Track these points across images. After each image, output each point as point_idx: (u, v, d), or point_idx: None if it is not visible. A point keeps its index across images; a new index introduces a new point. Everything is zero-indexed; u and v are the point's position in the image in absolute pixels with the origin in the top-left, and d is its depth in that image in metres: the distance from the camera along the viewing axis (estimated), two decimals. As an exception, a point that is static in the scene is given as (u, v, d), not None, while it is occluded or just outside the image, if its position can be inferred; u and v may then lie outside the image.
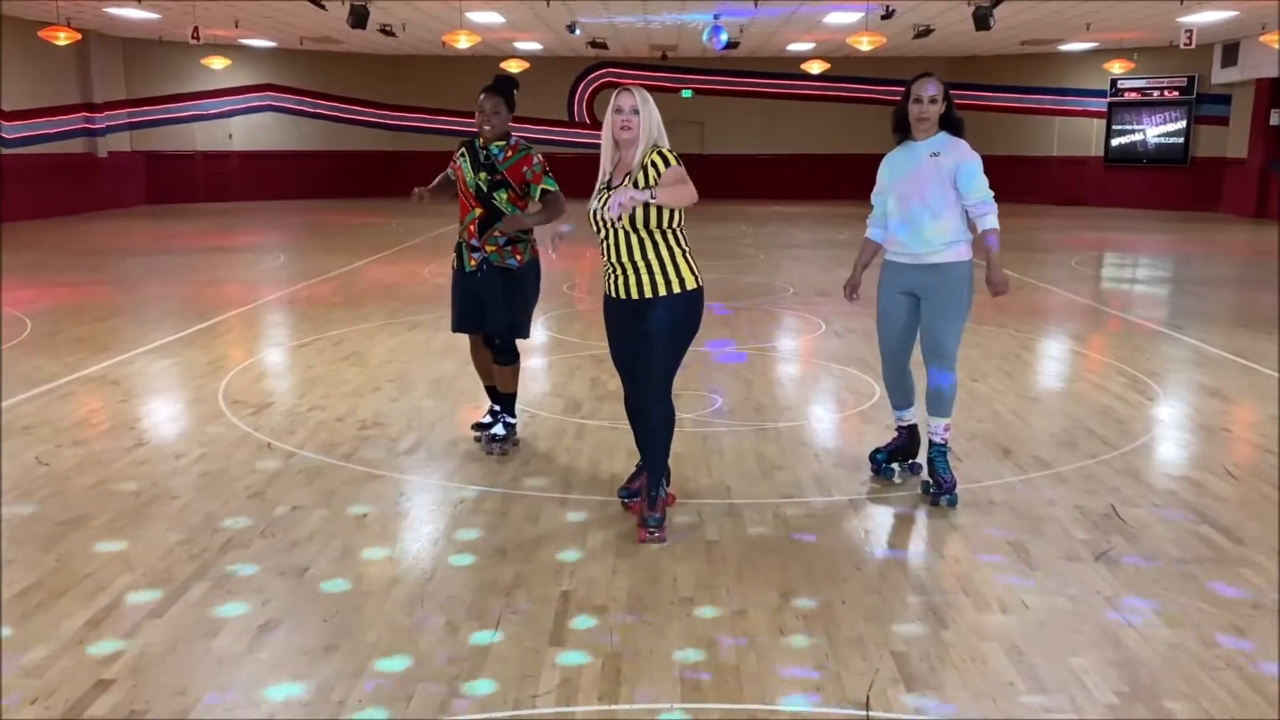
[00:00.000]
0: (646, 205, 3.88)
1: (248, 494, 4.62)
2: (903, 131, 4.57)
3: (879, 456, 4.90)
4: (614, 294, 4.14)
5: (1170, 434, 5.72)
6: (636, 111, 3.97)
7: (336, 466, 5.01)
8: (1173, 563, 3.91)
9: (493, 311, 5.10)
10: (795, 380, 7.08)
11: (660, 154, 3.99)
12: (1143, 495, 4.65)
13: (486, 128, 4.98)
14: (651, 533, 4.08)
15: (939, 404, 4.57)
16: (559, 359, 7.58)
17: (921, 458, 4.85)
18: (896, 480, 4.80)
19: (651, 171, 3.97)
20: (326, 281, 11.44)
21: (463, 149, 5.18)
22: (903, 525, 4.33)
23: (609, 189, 4.04)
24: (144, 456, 5.16)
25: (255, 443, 5.39)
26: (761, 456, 5.21)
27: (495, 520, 4.32)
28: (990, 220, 4.44)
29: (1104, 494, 4.66)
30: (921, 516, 4.41)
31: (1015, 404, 6.27)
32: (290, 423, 5.76)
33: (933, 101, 4.43)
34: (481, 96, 4.97)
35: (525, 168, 4.98)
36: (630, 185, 3.93)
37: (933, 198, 4.44)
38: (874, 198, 4.73)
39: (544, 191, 5.00)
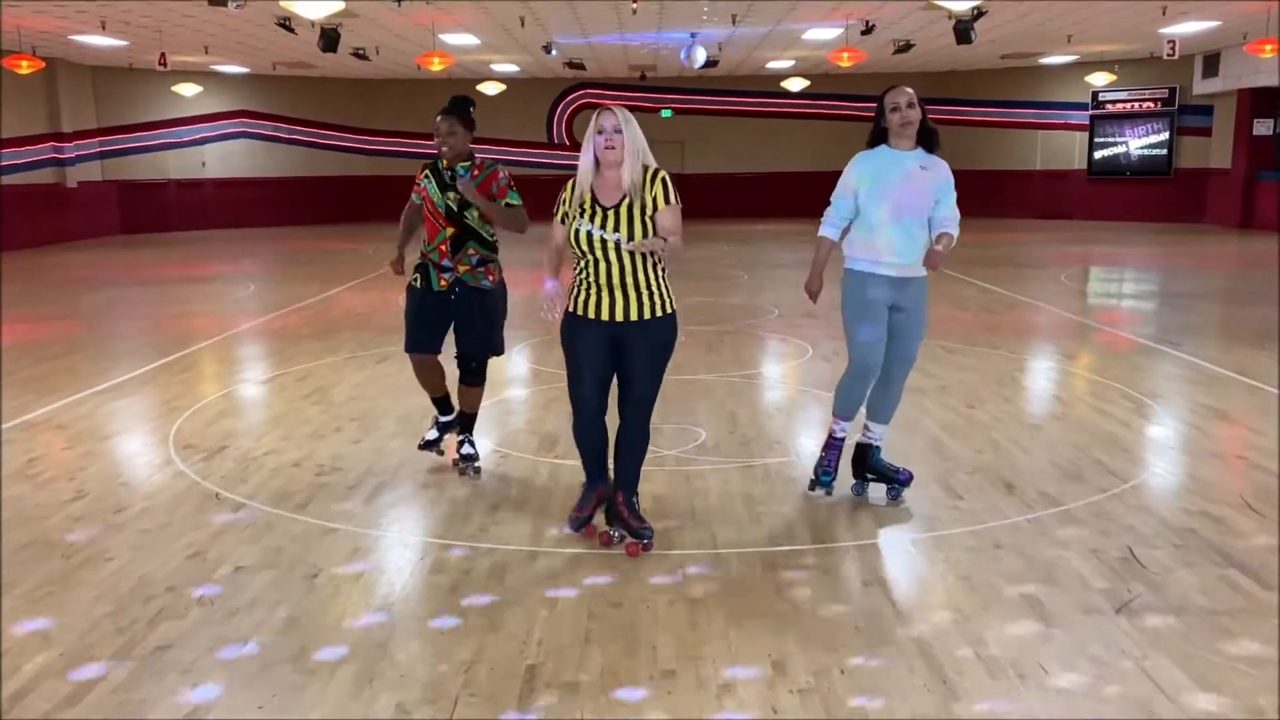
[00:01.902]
0: (645, 229, 3.95)
1: (188, 554, 4.23)
2: (877, 141, 4.52)
3: (826, 479, 4.83)
4: (592, 315, 4.02)
5: (1181, 462, 5.39)
6: (619, 131, 3.91)
7: (288, 519, 4.62)
8: (1202, 615, 3.55)
9: (469, 333, 5.09)
10: (783, 410, 6.73)
11: (664, 182, 3.99)
12: (1161, 535, 4.30)
13: (444, 148, 5.00)
14: (645, 545, 4.14)
15: (891, 410, 4.76)
16: (535, 391, 7.21)
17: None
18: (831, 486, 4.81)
19: (651, 198, 3.96)
20: (297, 312, 11.04)
21: (427, 171, 5.14)
22: (904, 575, 3.97)
23: (600, 210, 3.96)
24: (81, 511, 4.75)
25: (203, 493, 5.00)
26: (749, 497, 4.84)
27: (458, 579, 3.93)
28: (953, 228, 4.49)
29: (1119, 534, 4.32)
30: (923, 565, 4.05)
31: (1015, 432, 5.93)
32: (242, 469, 5.37)
33: (910, 106, 4.39)
34: (438, 118, 5.00)
35: (493, 183, 5.03)
36: (628, 217, 3.95)
37: (924, 211, 4.47)
38: (840, 199, 4.54)
39: (509, 204, 5.07)
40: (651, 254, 3.98)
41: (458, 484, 5.09)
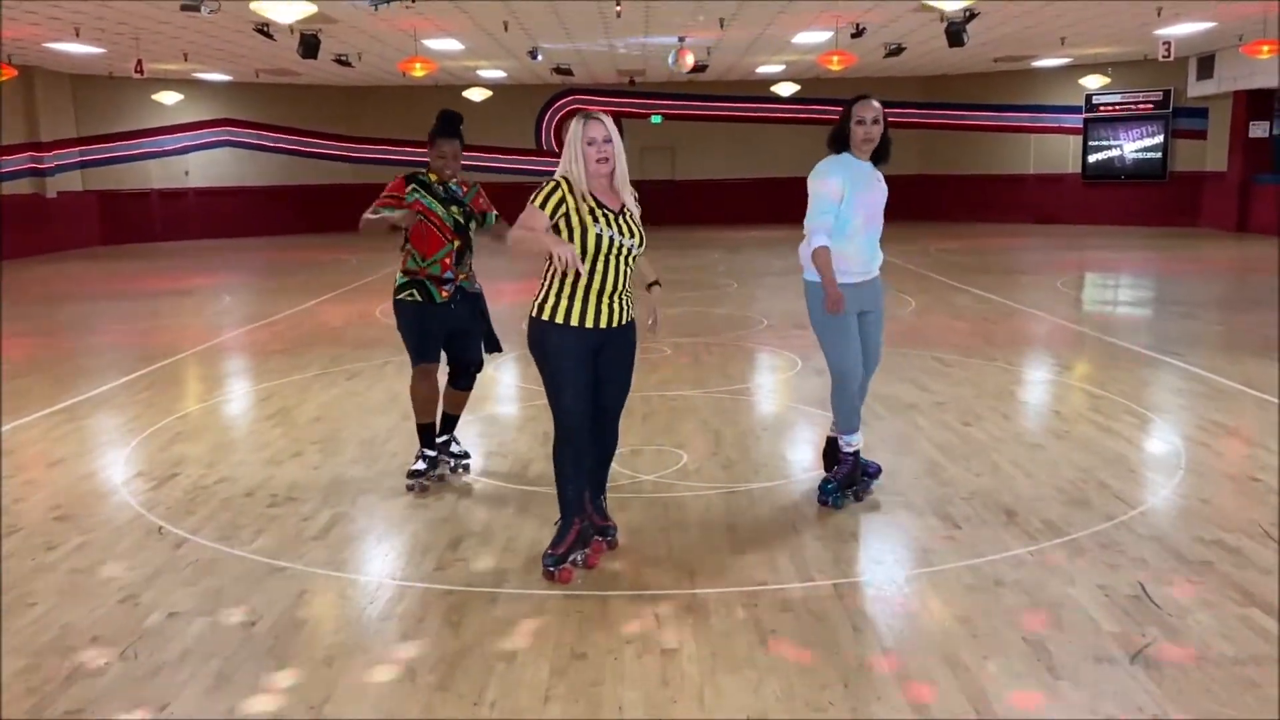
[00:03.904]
0: (643, 240, 3.96)
1: (119, 597, 3.88)
2: (839, 147, 4.60)
3: (831, 487, 4.77)
4: (584, 325, 3.87)
5: (1192, 485, 5.05)
6: (610, 140, 3.84)
7: (232, 557, 4.27)
8: (1225, 663, 3.22)
9: (473, 340, 5.19)
10: (770, 429, 6.38)
11: (634, 197, 4.00)
12: (1174, 569, 3.97)
13: (448, 171, 5.02)
14: (609, 542, 4.23)
15: (860, 404, 4.84)
16: (509, 410, 6.88)
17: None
18: (843, 506, 4.74)
19: (635, 206, 3.98)
20: (271, 325, 10.69)
21: (414, 186, 5.03)
22: (897, 620, 3.62)
23: (610, 214, 3.86)
24: (10, 549, 4.40)
25: (145, 527, 4.65)
26: (732, 529, 4.50)
27: (410, 627, 3.59)
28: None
29: (1129, 567, 3.99)
30: (918, 606, 3.72)
31: (1015, 452, 5.60)
32: (191, 499, 5.02)
33: (875, 122, 4.49)
34: (442, 141, 4.98)
35: (482, 199, 5.18)
36: (633, 222, 3.94)
37: (881, 218, 4.66)
38: (830, 204, 4.49)
39: (496, 216, 5.19)
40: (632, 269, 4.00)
41: (417, 516, 4.76)
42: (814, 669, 3.23)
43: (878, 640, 3.43)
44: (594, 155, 3.79)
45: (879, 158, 4.61)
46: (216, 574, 4.10)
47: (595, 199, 3.85)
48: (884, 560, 4.14)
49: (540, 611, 3.68)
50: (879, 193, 4.62)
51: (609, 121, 3.86)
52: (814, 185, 4.51)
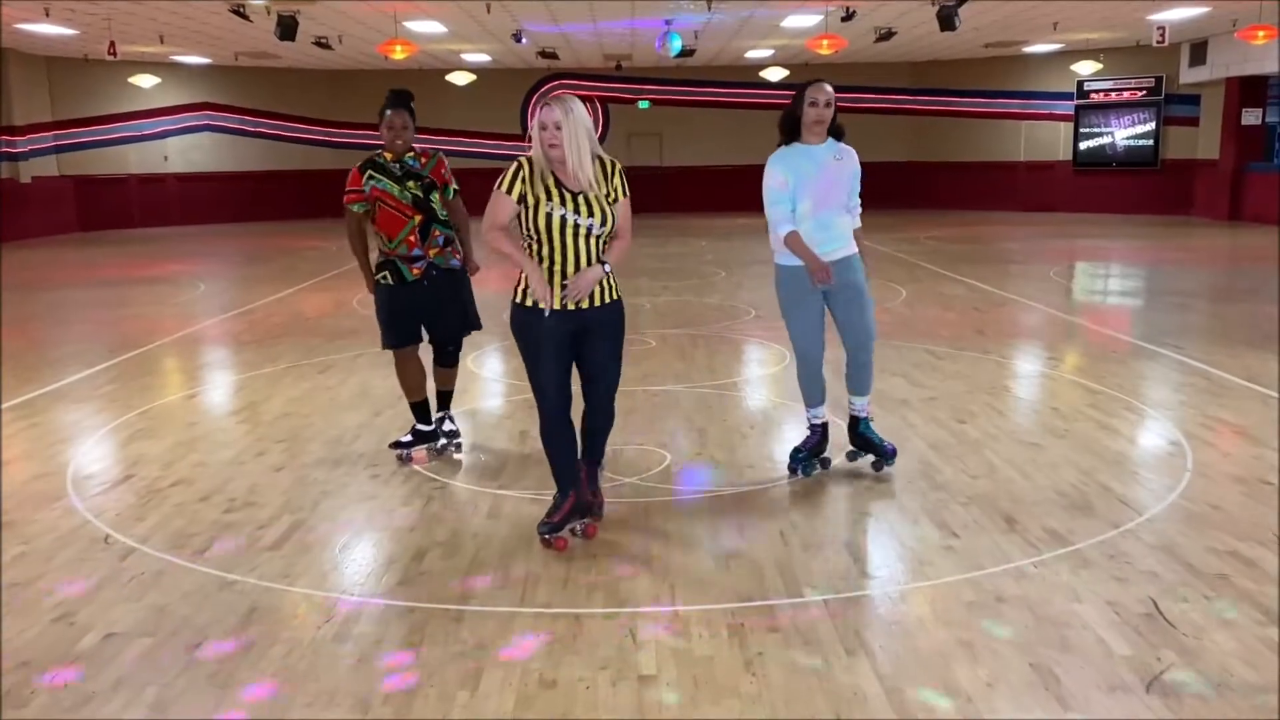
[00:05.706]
0: (608, 216, 3.89)
1: (54, 616, 3.59)
2: (790, 135, 4.66)
3: (801, 456, 4.99)
4: (560, 306, 3.91)
5: (1201, 489, 4.79)
6: (560, 127, 3.82)
7: (181, 569, 3.99)
8: (1248, 691, 2.98)
9: (450, 314, 5.14)
10: (758, 427, 6.11)
11: (622, 175, 3.99)
12: (1188, 583, 3.72)
13: (399, 142, 4.98)
14: (596, 518, 4.25)
15: (867, 382, 4.90)
16: (484, 406, 6.59)
17: (829, 449, 5.06)
18: (812, 475, 4.92)
19: (613, 189, 3.94)
20: (244, 315, 10.37)
21: (369, 174, 5.05)
22: (893, 640, 3.36)
23: (570, 194, 3.86)
24: (-57, 560, 4.11)
25: (92, 535, 4.36)
26: (715, 538, 4.24)
27: (366, 650, 3.31)
28: (858, 219, 4.83)
29: (1139, 581, 3.74)
30: (916, 625, 3.46)
31: (1012, 452, 5.35)
32: (143, 504, 4.73)
33: (828, 105, 4.55)
34: (389, 113, 4.98)
35: (444, 169, 5.11)
36: (598, 203, 3.88)
37: (841, 199, 4.68)
38: (780, 197, 4.63)
39: (455, 191, 5.15)
40: (601, 246, 3.95)
41: (380, 524, 4.48)
42: (805, 696, 2.97)
43: (873, 664, 3.17)
44: (546, 140, 3.82)
45: (839, 136, 4.68)
46: (162, 589, 3.81)
47: (556, 178, 3.87)
48: (878, 574, 3.88)
49: (508, 632, 3.41)
50: (834, 171, 4.62)
51: (562, 107, 3.80)
52: (764, 182, 4.67)
